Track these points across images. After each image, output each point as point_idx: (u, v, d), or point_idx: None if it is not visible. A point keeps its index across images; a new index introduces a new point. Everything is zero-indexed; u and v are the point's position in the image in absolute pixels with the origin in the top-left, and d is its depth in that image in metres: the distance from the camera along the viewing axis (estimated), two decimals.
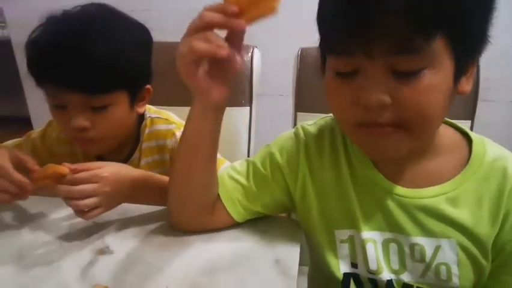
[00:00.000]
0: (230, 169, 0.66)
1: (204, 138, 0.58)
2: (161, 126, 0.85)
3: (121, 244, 0.63)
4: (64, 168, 0.61)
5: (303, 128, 0.66)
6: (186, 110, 0.58)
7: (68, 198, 0.60)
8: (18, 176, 0.62)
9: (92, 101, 0.70)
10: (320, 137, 0.64)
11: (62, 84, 0.67)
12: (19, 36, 2.50)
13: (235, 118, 1.10)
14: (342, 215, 0.60)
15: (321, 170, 0.62)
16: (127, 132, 0.82)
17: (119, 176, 0.64)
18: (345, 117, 0.51)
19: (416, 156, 0.56)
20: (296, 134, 0.66)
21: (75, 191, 0.60)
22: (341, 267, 0.61)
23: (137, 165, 0.84)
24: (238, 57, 0.51)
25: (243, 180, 0.64)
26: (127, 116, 0.78)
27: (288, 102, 1.10)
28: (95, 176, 0.61)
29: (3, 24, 3.55)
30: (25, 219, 0.70)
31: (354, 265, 0.60)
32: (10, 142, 0.89)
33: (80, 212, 0.62)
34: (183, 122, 0.87)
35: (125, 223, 0.69)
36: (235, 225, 0.66)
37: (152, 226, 0.68)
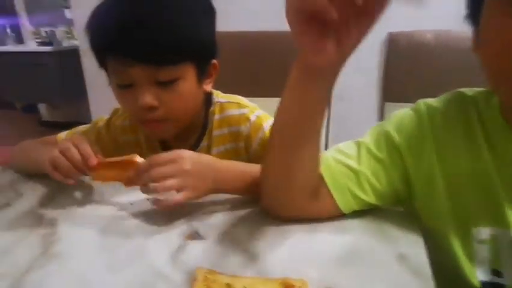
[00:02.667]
0: (336, 152, 0.57)
1: (310, 108, 0.49)
2: (233, 112, 0.77)
3: (211, 230, 0.55)
4: (134, 155, 0.59)
5: (426, 104, 0.55)
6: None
7: (146, 184, 0.55)
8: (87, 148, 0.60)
9: (159, 75, 0.63)
10: (449, 115, 0.53)
11: (126, 55, 0.61)
12: (86, 44, 2.66)
13: None
14: (482, 209, 0.49)
15: (453, 155, 0.51)
16: (195, 113, 0.75)
17: (200, 160, 0.58)
18: None
19: None
20: (417, 110, 0.55)
21: (154, 173, 0.55)
22: (478, 274, 0.49)
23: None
24: None
25: (354, 164, 0.55)
26: (195, 93, 0.70)
27: (372, 91, 1.00)
28: (173, 158, 0.56)
29: (69, 35, 3.79)
30: (106, 201, 0.65)
31: (496, 272, 0.48)
32: (79, 128, 0.86)
33: (159, 204, 0.56)
34: (256, 106, 0.82)
35: (212, 207, 0.61)
36: (338, 215, 0.56)
37: (242, 212, 0.60)
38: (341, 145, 0.58)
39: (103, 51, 0.65)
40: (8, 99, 3.83)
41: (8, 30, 3.84)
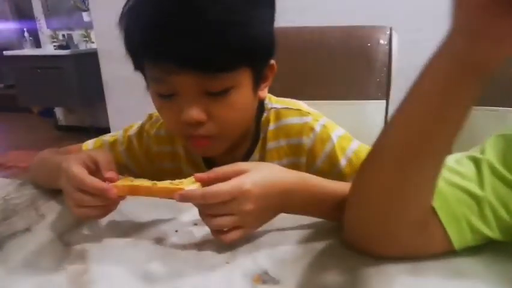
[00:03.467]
0: (447, 171, 0.44)
1: (459, 113, 0.35)
2: (292, 120, 0.64)
3: (285, 269, 0.43)
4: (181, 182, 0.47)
5: None
6: None
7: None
8: (93, 181, 0.47)
9: (210, 84, 0.51)
10: None
11: (168, 61, 0.49)
12: (105, 46, 2.58)
13: (369, 114, 0.90)
14: None
15: None
16: (248, 125, 0.63)
17: (266, 186, 0.45)
18: None
19: None
20: None
21: (207, 211, 0.45)
22: None
23: None
24: None
25: (475, 188, 0.41)
26: (250, 103, 0.58)
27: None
28: (232, 190, 0.44)
29: (86, 39, 3.75)
30: (143, 227, 0.54)
31: None
32: (106, 136, 0.75)
33: (215, 232, 0.46)
34: (318, 112, 0.69)
35: (279, 236, 0.49)
36: (446, 252, 0.43)
37: (319, 244, 0.47)
38: (452, 161, 0.45)
39: (141, 55, 0.53)
40: (25, 103, 3.79)
41: (26, 34, 3.81)
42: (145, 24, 0.50)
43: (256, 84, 0.57)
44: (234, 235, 0.46)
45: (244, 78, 0.54)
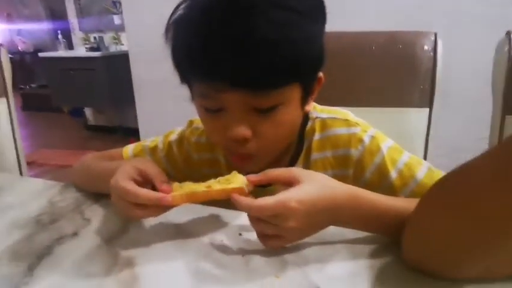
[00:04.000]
0: None
1: None
2: (340, 130, 0.61)
3: (334, 285, 0.41)
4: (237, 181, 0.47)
5: None
6: None
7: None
8: (148, 194, 0.47)
9: (259, 102, 0.49)
10: None
11: (218, 80, 0.47)
12: (135, 48, 2.63)
13: (411, 122, 0.87)
14: None
15: None
16: (292, 140, 0.61)
17: (313, 203, 0.44)
18: None
19: None
20: None
21: (252, 224, 0.46)
22: None
23: None
24: None
25: None
26: (297, 118, 0.56)
27: (481, 104, 0.84)
28: (276, 207, 0.43)
29: (116, 41, 3.83)
30: (190, 234, 0.53)
31: None
32: (147, 142, 0.74)
33: (258, 234, 0.47)
34: (366, 123, 0.65)
35: (330, 249, 0.48)
36: None
37: (374, 261, 0.45)
38: None
39: (188, 72, 0.52)
40: (57, 103, 3.91)
41: (60, 36, 3.94)
42: (193, 40, 0.48)
43: (305, 99, 0.55)
44: (275, 243, 0.47)
45: (293, 94, 0.52)
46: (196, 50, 0.48)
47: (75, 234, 0.54)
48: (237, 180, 0.47)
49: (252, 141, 0.52)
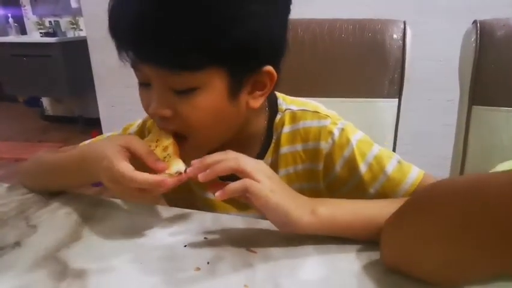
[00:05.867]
0: None
1: None
2: (310, 123, 0.58)
3: None
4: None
5: None
6: None
7: None
8: (147, 178, 0.45)
9: (173, 81, 0.47)
10: None
11: (130, 49, 0.47)
12: (94, 34, 2.48)
13: (379, 112, 0.85)
14: None
15: None
16: (232, 134, 0.56)
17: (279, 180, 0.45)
18: None
19: None
20: None
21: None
22: None
23: None
24: None
25: None
26: (223, 108, 0.51)
27: (446, 94, 0.84)
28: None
29: (74, 26, 3.62)
30: (149, 239, 0.49)
31: None
32: (106, 136, 0.68)
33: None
34: (335, 113, 0.63)
35: (300, 257, 0.45)
36: None
37: (343, 264, 0.43)
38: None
39: (114, 40, 0.49)
40: (10, 92, 3.65)
41: (11, 20, 3.66)
42: (115, 7, 0.47)
43: (235, 90, 0.50)
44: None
45: (213, 80, 0.48)
46: (115, 16, 0.47)
47: (17, 244, 0.48)
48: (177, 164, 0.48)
49: (174, 121, 0.51)
